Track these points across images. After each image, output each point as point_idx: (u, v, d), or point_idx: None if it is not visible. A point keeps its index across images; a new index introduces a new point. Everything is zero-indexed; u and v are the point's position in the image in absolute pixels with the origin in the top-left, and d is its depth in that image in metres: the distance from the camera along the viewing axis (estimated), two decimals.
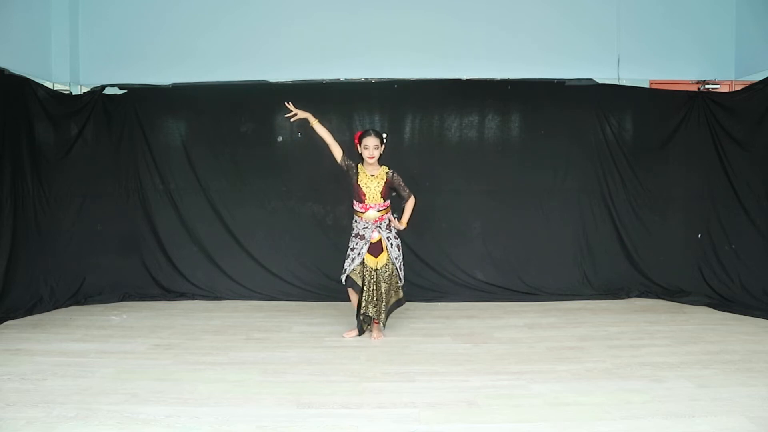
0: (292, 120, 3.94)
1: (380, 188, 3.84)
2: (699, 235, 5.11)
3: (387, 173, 3.88)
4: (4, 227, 4.35)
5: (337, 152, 3.87)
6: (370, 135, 3.83)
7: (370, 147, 3.80)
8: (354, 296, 3.96)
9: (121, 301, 4.98)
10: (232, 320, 4.42)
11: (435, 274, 5.17)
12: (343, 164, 3.88)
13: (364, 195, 3.83)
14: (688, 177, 5.14)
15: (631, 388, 2.95)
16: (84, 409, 2.67)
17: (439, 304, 4.96)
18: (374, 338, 3.90)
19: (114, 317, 4.48)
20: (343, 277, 3.93)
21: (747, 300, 4.65)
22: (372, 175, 3.86)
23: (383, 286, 3.87)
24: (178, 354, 3.55)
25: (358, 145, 3.87)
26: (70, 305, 4.80)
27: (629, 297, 5.11)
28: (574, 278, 5.20)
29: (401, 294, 4.02)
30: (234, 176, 5.22)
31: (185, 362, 3.39)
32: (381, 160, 3.92)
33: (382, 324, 3.94)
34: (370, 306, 3.86)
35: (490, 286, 5.14)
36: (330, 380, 3.09)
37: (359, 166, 3.89)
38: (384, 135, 3.92)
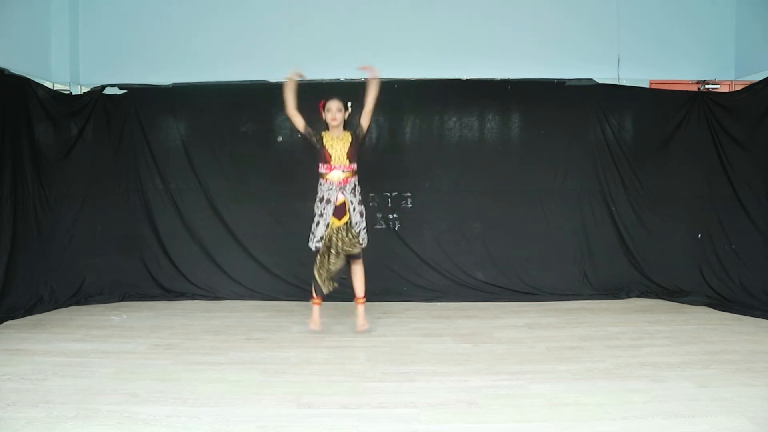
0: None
1: (346, 149, 3.88)
2: (699, 235, 5.11)
3: (352, 133, 3.91)
4: (4, 227, 4.34)
5: (299, 121, 3.89)
6: (333, 99, 3.89)
7: (333, 109, 3.85)
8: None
9: (121, 301, 4.98)
10: (232, 320, 4.42)
11: (435, 274, 5.17)
12: (306, 132, 3.91)
13: (330, 156, 3.86)
14: (688, 177, 5.13)
15: (631, 388, 2.94)
16: (84, 409, 2.66)
17: (439, 304, 4.95)
18: (360, 329, 3.94)
19: (114, 317, 4.48)
20: (314, 244, 3.91)
21: (747, 300, 4.64)
22: (337, 137, 3.89)
23: (337, 246, 3.86)
24: (178, 354, 3.54)
25: (323, 112, 3.91)
26: (70, 305, 4.80)
27: (629, 297, 5.10)
28: (574, 278, 5.20)
29: (359, 252, 3.94)
30: (234, 176, 5.22)
31: (185, 362, 3.38)
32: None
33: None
34: (322, 270, 3.89)
35: (490, 286, 5.13)
36: (330, 380, 3.09)
37: (323, 132, 3.93)
38: (349, 102, 3.94)
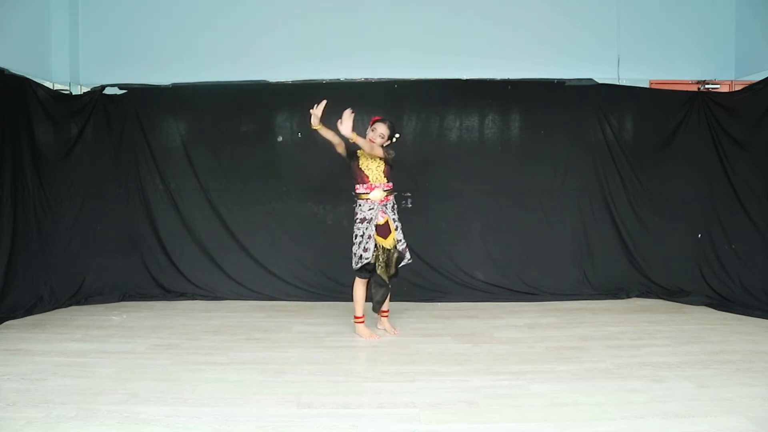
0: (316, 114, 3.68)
1: (382, 168, 3.86)
2: (699, 235, 5.11)
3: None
4: (4, 227, 4.34)
5: (342, 150, 3.84)
6: (383, 122, 3.85)
7: (377, 131, 3.81)
8: (362, 288, 3.94)
9: (121, 301, 4.99)
10: (232, 320, 4.42)
11: (435, 274, 5.17)
12: (347, 151, 3.85)
13: (367, 177, 3.84)
14: (688, 177, 5.13)
15: (631, 388, 2.95)
16: (84, 409, 2.67)
17: (439, 304, 4.96)
18: (395, 334, 3.98)
19: (114, 317, 4.48)
20: (360, 264, 3.82)
21: (747, 300, 4.65)
22: (372, 158, 3.85)
23: (390, 264, 3.92)
24: (178, 354, 3.55)
25: (369, 127, 3.87)
26: (70, 305, 4.80)
27: (629, 297, 5.11)
28: (574, 278, 5.20)
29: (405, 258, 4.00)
30: (234, 176, 5.22)
31: (185, 362, 3.38)
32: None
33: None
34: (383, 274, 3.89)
35: (490, 286, 5.14)
36: (330, 380, 3.09)
37: (359, 152, 3.87)
38: (397, 134, 3.92)
